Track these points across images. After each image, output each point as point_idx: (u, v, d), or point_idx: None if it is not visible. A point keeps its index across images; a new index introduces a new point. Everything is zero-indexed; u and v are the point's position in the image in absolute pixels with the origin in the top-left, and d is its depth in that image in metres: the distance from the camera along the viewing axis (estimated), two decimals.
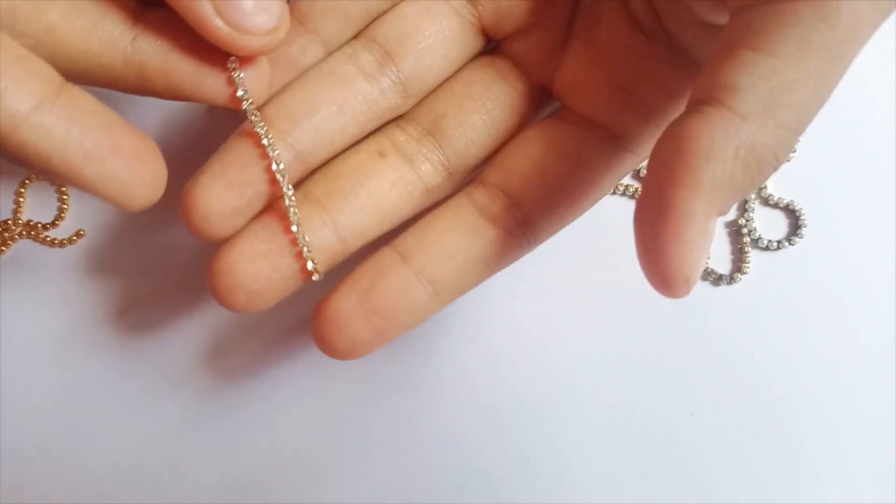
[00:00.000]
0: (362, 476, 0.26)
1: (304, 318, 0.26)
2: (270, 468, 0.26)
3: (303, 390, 0.26)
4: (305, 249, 0.19)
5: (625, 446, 0.26)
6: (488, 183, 0.21)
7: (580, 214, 0.21)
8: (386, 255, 0.20)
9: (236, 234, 0.20)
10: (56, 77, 0.16)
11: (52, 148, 0.16)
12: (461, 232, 0.20)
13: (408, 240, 0.20)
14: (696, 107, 0.16)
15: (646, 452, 0.26)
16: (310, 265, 0.20)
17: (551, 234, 0.21)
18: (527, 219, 0.20)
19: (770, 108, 0.15)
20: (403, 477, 0.26)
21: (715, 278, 0.26)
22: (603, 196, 0.21)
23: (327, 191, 0.20)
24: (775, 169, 0.16)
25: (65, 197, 0.27)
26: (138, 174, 0.17)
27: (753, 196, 0.27)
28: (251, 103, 0.19)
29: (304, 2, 0.21)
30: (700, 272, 0.16)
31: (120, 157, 0.16)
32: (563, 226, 0.21)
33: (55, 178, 0.17)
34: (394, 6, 0.21)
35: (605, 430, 0.26)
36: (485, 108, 0.21)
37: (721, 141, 0.15)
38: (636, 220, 0.16)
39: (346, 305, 0.19)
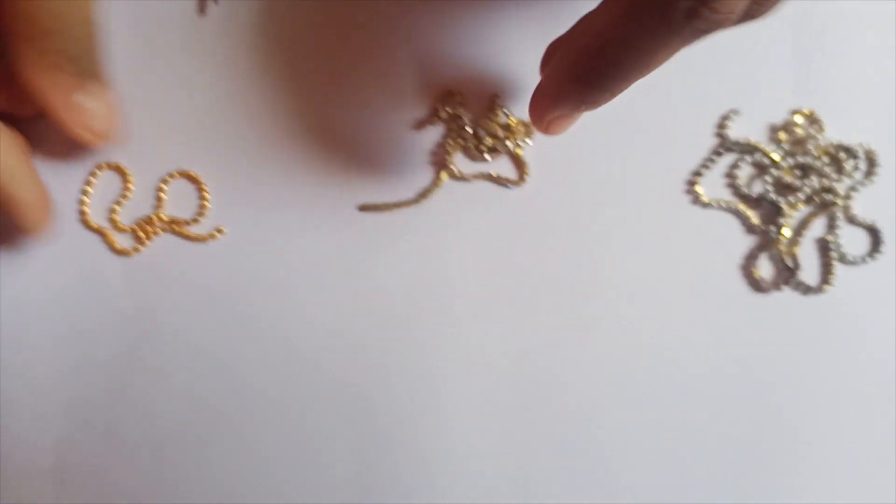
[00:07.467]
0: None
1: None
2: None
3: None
4: None
5: (723, 448, 0.29)
6: None
7: None
8: None
9: None
10: None
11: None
12: None
13: None
14: None
15: (744, 455, 0.29)
16: None
17: None
18: None
19: None
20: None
21: (805, 289, 0.29)
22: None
23: None
24: None
25: (206, 195, 0.28)
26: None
27: (841, 216, 0.29)
28: None
29: None
30: None
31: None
32: None
33: None
34: None
35: (695, 431, 0.29)
36: None
37: None
38: None
39: None
